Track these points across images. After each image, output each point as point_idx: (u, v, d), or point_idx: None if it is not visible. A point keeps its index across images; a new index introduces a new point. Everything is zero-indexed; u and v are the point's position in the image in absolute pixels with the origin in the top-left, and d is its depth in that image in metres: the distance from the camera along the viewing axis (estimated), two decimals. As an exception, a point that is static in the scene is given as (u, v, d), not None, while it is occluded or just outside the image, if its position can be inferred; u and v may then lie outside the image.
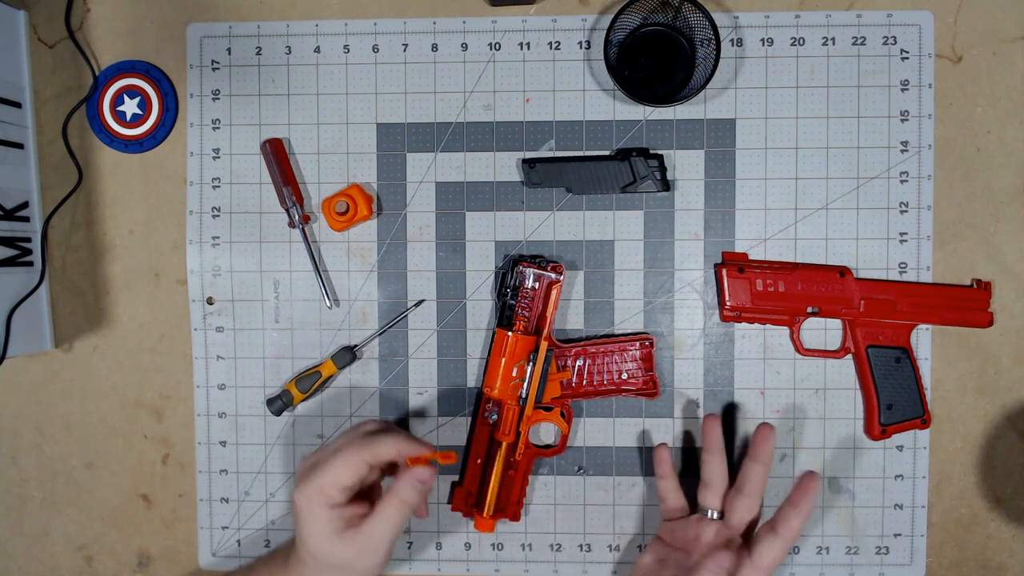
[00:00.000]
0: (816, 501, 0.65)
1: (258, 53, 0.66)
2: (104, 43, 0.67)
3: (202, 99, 0.67)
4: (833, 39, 0.64)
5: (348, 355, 0.65)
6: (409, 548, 0.67)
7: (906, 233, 0.64)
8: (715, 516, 0.59)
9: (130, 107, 0.67)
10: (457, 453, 0.58)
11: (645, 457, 0.65)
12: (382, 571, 0.56)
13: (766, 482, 0.59)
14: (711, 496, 0.60)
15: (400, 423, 0.66)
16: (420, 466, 0.55)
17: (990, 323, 0.63)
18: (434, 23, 0.66)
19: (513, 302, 0.63)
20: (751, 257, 0.65)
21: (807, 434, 0.65)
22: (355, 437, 0.56)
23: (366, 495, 0.58)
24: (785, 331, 0.65)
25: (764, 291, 0.63)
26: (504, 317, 0.64)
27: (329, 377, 0.65)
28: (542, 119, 0.65)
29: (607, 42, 0.61)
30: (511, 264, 0.64)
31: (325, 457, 0.55)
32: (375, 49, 0.66)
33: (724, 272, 0.63)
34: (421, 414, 0.66)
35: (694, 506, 0.62)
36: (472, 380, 0.66)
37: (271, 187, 0.66)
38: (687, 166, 0.65)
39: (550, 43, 0.65)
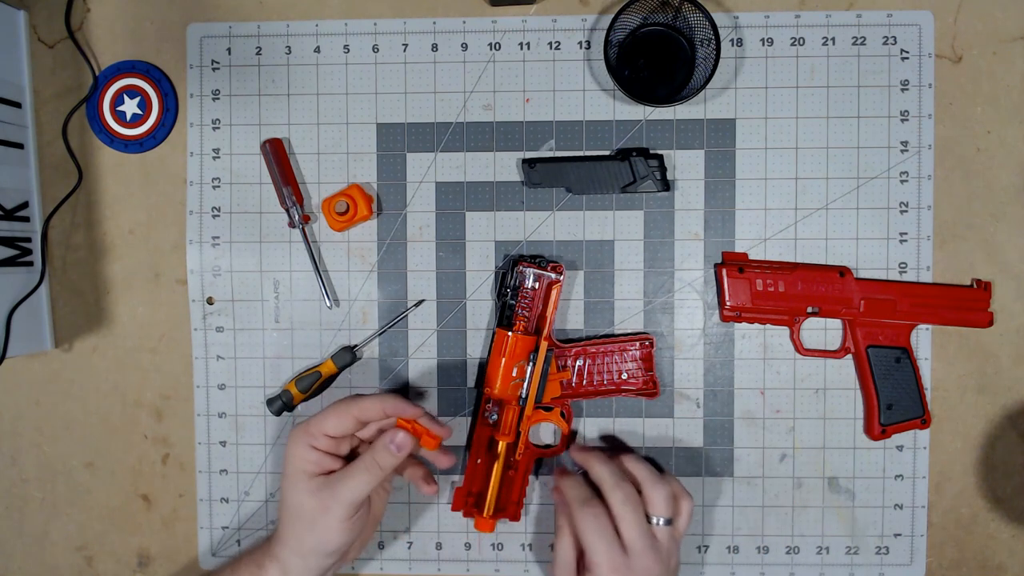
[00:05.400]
0: (817, 501, 0.65)
1: (258, 53, 0.66)
2: (104, 43, 0.67)
3: (202, 99, 0.67)
4: (833, 39, 0.64)
5: (348, 355, 0.65)
6: (409, 548, 0.67)
7: (906, 233, 0.64)
8: None
9: (130, 107, 0.67)
10: (451, 428, 0.59)
11: (645, 457, 0.66)
12: (346, 543, 0.56)
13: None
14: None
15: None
16: (400, 431, 0.56)
17: (990, 323, 0.63)
18: (434, 23, 0.66)
19: (513, 302, 0.63)
20: (751, 257, 0.65)
21: (807, 434, 0.65)
22: (348, 396, 0.59)
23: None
24: (785, 331, 0.65)
25: (764, 291, 0.63)
26: (504, 317, 0.64)
27: (329, 377, 0.65)
28: (542, 119, 0.65)
29: (607, 42, 0.61)
30: (511, 264, 0.64)
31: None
32: (375, 49, 0.66)
33: (724, 272, 0.63)
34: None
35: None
36: (472, 380, 0.66)
37: (271, 187, 0.66)
38: (687, 166, 0.65)
39: (550, 43, 0.65)
